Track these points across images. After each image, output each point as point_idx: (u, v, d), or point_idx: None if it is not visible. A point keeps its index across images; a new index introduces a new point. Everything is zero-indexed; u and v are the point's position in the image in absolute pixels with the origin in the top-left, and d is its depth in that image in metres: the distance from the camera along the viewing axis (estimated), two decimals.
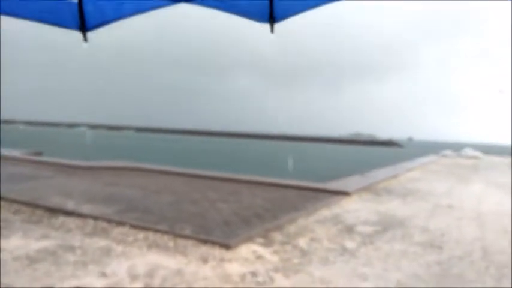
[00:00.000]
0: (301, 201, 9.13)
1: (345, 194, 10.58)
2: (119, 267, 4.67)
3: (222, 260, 5.07)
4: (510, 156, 40.67)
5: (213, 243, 5.65)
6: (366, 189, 11.96)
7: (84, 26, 2.54)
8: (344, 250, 5.69)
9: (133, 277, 4.40)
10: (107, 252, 5.23)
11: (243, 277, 4.52)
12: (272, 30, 2.46)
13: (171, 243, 5.68)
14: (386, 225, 7.31)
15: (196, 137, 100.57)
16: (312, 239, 6.18)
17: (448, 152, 42.23)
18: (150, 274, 4.49)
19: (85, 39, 2.57)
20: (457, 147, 48.64)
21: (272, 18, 2.43)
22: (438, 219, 8.07)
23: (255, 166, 22.88)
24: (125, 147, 39.64)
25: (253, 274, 4.61)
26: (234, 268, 4.80)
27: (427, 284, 4.52)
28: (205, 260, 5.03)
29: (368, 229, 6.99)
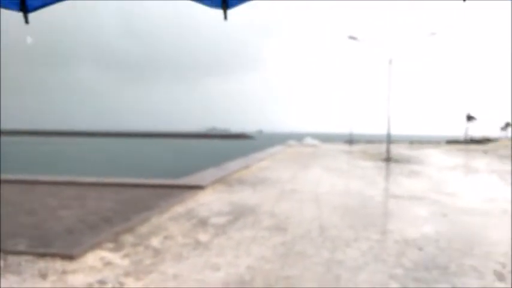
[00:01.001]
0: (155, 199, 8.89)
1: (199, 187, 10.71)
2: None
3: (64, 272, 4.58)
4: (340, 143, 47.04)
5: (53, 255, 5.05)
6: (220, 181, 12.33)
7: (25, 7, 2.41)
8: (198, 244, 5.74)
9: None
10: None
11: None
12: (225, 17, 2.35)
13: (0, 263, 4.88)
14: (238, 214, 7.66)
15: (31, 137, 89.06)
16: (166, 237, 6.06)
17: (292, 142, 46.77)
18: None
19: (26, 21, 2.43)
20: (299, 137, 54.13)
21: (225, 3, 2.33)
22: (284, 204, 8.82)
23: (104, 166, 21.42)
24: None
25: (101, 282, 4.30)
26: (79, 279, 4.39)
27: (272, 264, 4.88)
28: (43, 276, 4.47)
29: (221, 220, 7.21)
